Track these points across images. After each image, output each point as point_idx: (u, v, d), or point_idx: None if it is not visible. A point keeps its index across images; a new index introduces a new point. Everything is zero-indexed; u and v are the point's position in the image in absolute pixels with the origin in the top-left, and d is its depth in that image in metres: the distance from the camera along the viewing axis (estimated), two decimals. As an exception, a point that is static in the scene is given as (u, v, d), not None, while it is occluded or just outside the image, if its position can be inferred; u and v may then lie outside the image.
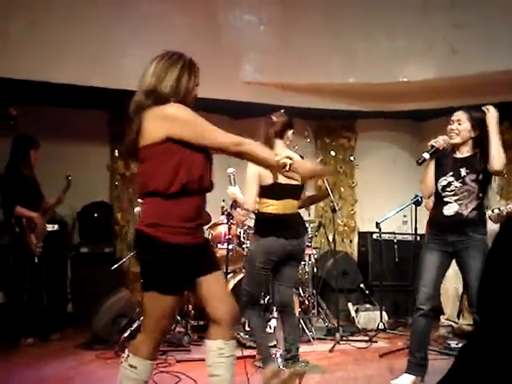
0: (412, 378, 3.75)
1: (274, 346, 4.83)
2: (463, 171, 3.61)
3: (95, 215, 6.83)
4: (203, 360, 2.77)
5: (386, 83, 6.60)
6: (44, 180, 5.77)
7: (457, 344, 5.04)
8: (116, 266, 5.89)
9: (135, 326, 5.24)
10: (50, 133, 6.50)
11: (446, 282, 5.90)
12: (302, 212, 6.02)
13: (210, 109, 7.08)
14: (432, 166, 3.72)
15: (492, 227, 6.73)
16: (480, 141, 3.65)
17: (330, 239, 6.31)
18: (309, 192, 6.50)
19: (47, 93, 6.35)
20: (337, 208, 5.36)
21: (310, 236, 6.10)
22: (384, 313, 6.15)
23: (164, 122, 2.52)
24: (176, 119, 2.52)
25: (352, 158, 7.97)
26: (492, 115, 3.62)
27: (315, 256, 6.35)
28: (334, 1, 6.46)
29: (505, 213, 5.39)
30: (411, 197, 5.71)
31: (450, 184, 3.64)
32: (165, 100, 2.56)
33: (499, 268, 0.90)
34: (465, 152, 3.70)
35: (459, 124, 3.69)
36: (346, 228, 7.81)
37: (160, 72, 2.62)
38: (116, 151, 7.25)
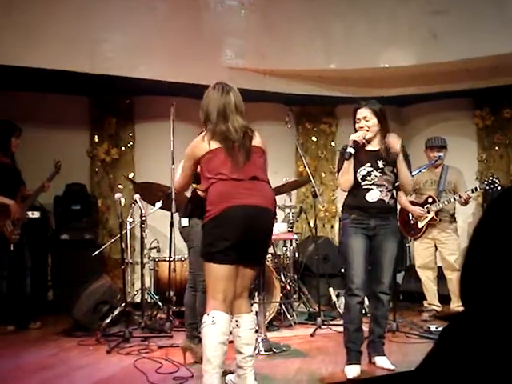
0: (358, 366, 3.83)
1: (256, 331, 4.84)
2: (380, 163, 3.84)
3: (75, 201, 6.77)
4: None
5: (366, 69, 6.61)
6: (21, 166, 5.73)
7: (436, 328, 5.09)
8: (97, 252, 5.85)
9: (116, 312, 5.22)
10: (28, 118, 6.41)
11: (420, 270, 5.98)
12: (283, 197, 6.08)
13: (189, 94, 7.07)
14: (352, 159, 3.86)
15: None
16: (385, 132, 3.90)
17: (311, 224, 6.33)
18: (290, 177, 6.53)
19: (25, 78, 6.25)
20: (318, 193, 5.36)
21: (291, 221, 6.11)
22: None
23: None
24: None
25: (333, 144, 7.96)
26: (397, 145, 3.83)
27: (296, 241, 6.37)
28: (315, -14, 6.43)
29: (463, 199, 5.57)
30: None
31: (369, 173, 3.84)
32: None
33: (484, 249, 0.90)
34: (376, 145, 3.91)
35: (366, 120, 3.88)
36: (327, 213, 7.83)
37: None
38: (96, 137, 7.17)
